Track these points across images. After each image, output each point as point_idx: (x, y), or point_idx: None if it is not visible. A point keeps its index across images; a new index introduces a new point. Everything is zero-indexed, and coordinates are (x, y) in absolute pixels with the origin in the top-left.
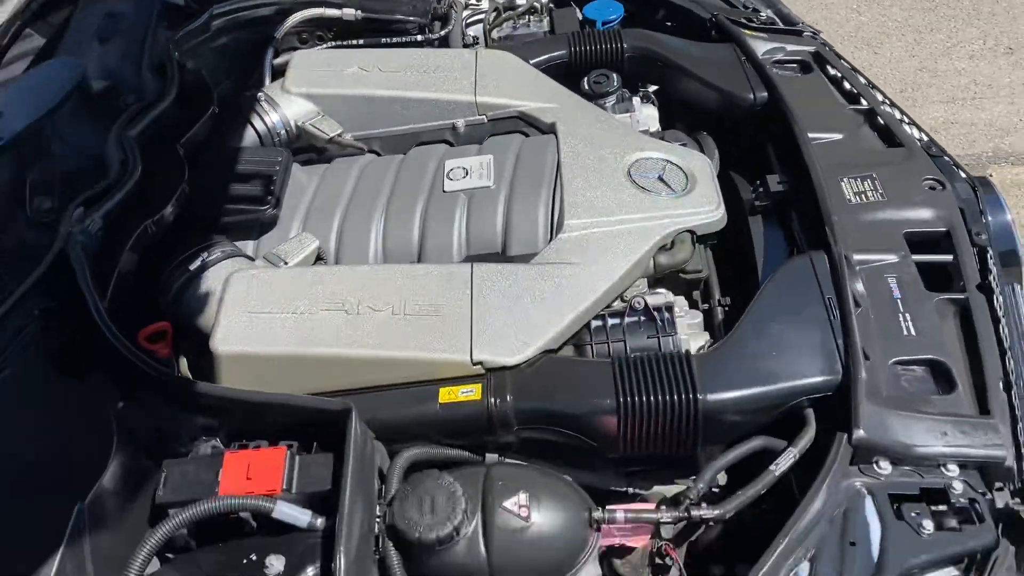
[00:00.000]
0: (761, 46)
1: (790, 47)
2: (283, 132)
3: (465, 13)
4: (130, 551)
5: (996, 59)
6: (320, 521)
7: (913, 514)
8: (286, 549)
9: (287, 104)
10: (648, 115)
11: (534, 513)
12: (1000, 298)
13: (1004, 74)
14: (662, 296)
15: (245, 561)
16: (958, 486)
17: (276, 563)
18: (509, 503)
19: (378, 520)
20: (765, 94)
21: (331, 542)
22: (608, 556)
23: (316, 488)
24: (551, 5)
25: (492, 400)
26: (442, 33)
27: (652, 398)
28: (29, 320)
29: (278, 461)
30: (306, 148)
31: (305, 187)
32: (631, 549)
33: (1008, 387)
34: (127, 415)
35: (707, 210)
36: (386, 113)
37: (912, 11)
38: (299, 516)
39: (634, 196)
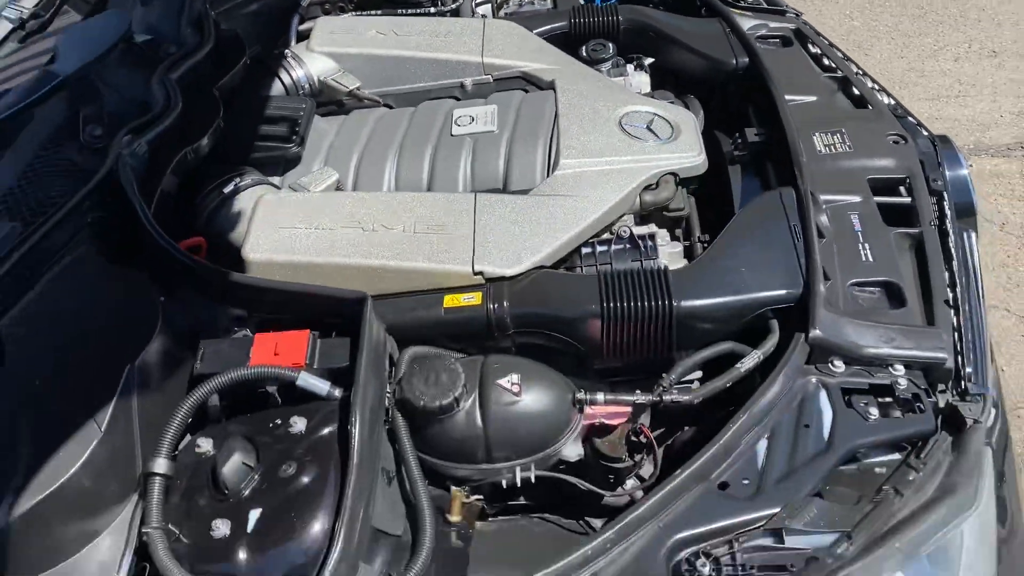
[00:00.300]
0: (746, 22)
1: (773, 24)
2: (307, 86)
3: None
4: (170, 414)
5: (980, 61)
6: (338, 391)
7: (862, 404)
8: (307, 413)
9: (311, 61)
10: (640, 80)
11: (525, 391)
12: (953, 237)
13: (987, 75)
14: (646, 228)
15: (271, 425)
16: (903, 382)
17: (299, 423)
18: (503, 381)
19: (388, 395)
20: (746, 60)
21: (348, 408)
22: (590, 436)
23: (335, 364)
24: None
25: (491, 305)
26: (453, 6)
27: (632, 303)
28: (83, 226)
29: (302, 341)
30: (327, 102)
31: (326, 132)
32: (611, 429)
33: (953, 307)
34: (168, 307)
35: (690, 156)
36: (400, 72)
37: (902, 17)
38: (320, 385)
39: (624, 141)
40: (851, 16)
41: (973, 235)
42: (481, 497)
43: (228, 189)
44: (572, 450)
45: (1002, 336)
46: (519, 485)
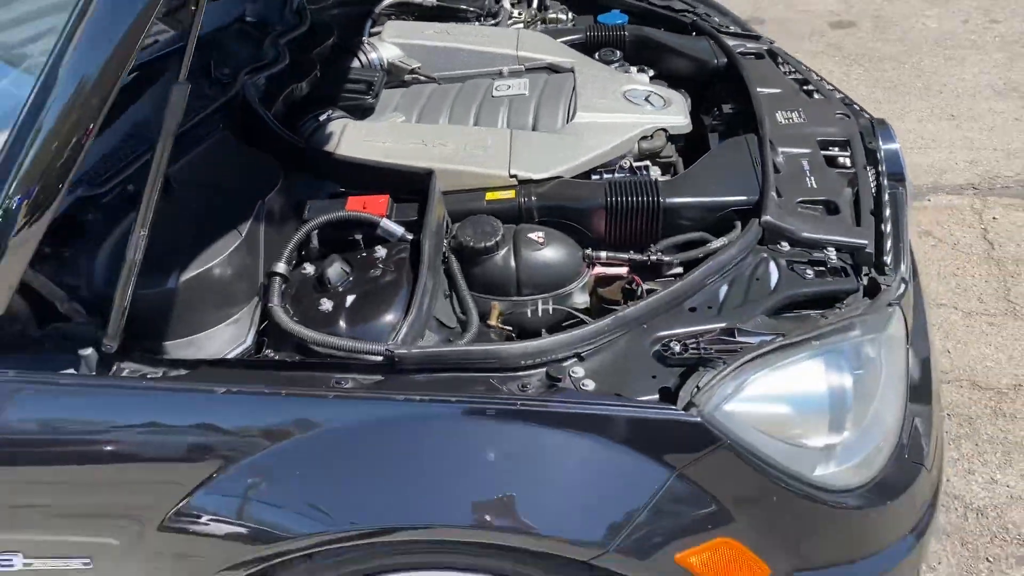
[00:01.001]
0: (728, 41)
1: (750, 44)
2: (379, 66)
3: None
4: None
5: (940, 123)
6: (410, 236)
7: (801, 267)
8: (387, 247)
9: (382, 48)
10: (641, 79)
11: (547, 244)
12: (881, 178)
13: (945, 133)
14: (642, 163)
15: (360, 256)
16: (834, 257)
17: (380, 251)
18: (531, 235)
19: (445, 242)
20: (725, 60)
21: (418, 246)
22: (595, 289)
23: (407, 218)
24: (573, 16)
25: (522, 199)
26: (492, 23)
27: (630, 198)
28: (216, 128)
29: (383, 201)
30: (393, 83)
31: (392, 96)
32: (612, 282)
33: (876, 216)
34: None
35: (678, 119)
36: (451, 60)
37: (875, 88)
38: (396, 229)
39: (627, 105)
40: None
41: (901, 188)
42: (512, 330)
43: (323, 117)
44: (580, 298)
45: (951, 328)
46: (540, 316)
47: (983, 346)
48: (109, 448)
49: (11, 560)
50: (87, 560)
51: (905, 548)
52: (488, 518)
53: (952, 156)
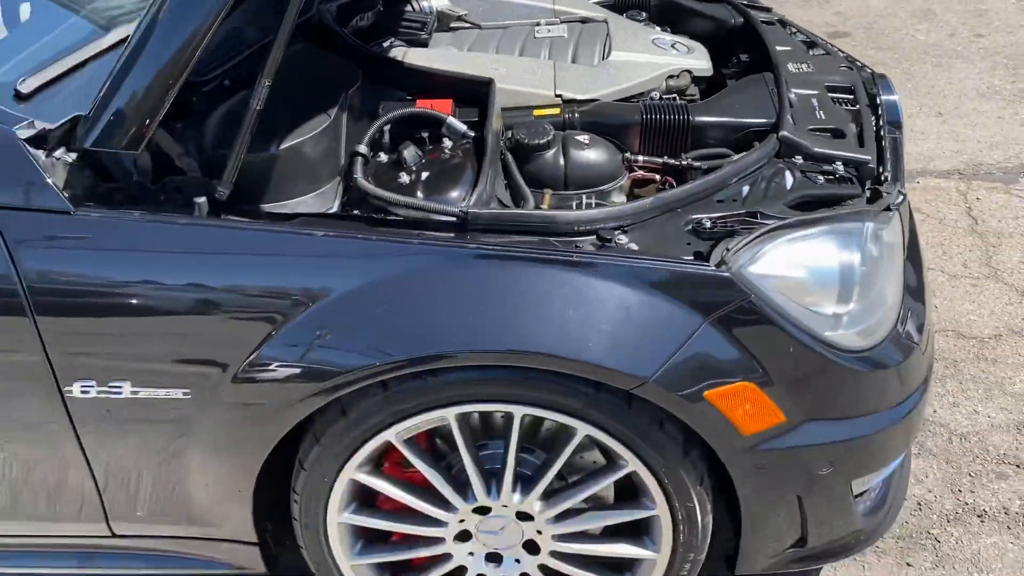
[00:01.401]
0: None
1: (763, 15)
2: (428, 12)
3: None
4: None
5: (928, 119)
6: (472, 133)
7: (812, 175)
8: (452, 141)
9: None
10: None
11: (592, 146)
12: (881, 115)
13: (933, 128)
14: (670, 97)
15: (428, 148)
16: (841, 168)
17: (447, 142)
18: (578, 137)
19: (501, 143)
20: (742, 19)
21: (482, 143)
22: (631, 190)
23: (470, 119)
24: None
25: (566, 116)
26: None
27: (663, 116)
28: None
29: (448, 103)
30: (441, 29)
31: (442, 39)
32: (647, 183)
33: (877, 140)
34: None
35: (701, 63)
36: (494, 12)
37: None
38: (460, 127)
39: (655, 49)
40: None
41: (899, 134)
42: None
43: (386, 44)
44: (619, 197)
45: (937, 288)
46: (583, 208)
47: (967, 303)
48: (217, 283)
49: (120, 387)
50: (187, 391)
51: (902, 412)
52: (546, 346)
53: (940, 146)
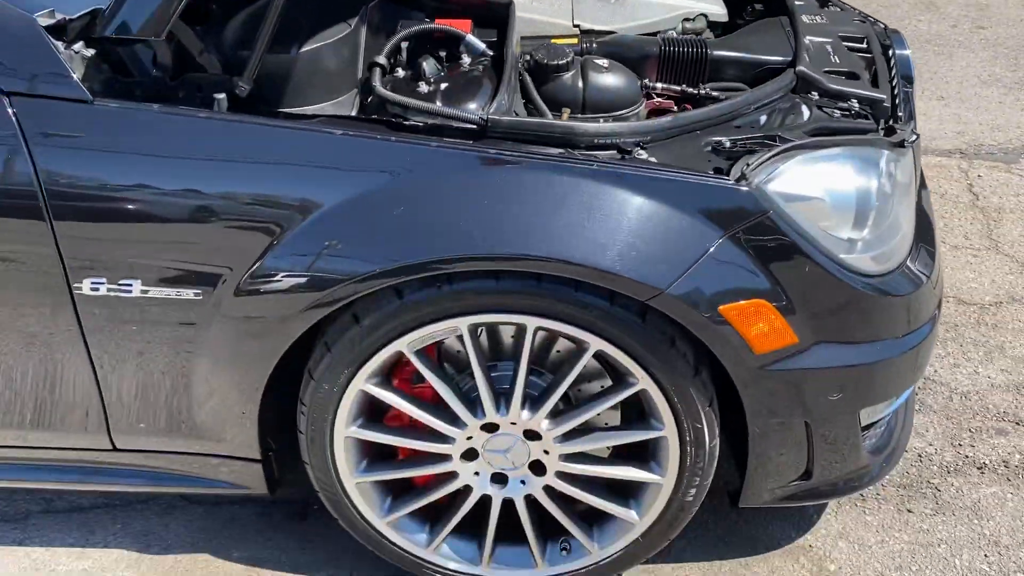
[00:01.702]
0: None
1: None
2: None
3: None
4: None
5: (931, 102)
6: (491, 52)
7: (828, 109)
8: (471, 58)
9: None
10: None
11: (611, 69)
12: (894, 65)
13: (935, 110)
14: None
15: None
16: (856, 105)
17: (465, 59)
18: (597, 60)
19: (519, 61)
20: None
21: (500, 61)
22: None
23: (488, 39)
24: None
25: (584, 44)
26: None
27: (681, 48)
28: None
29: (467, 23)
30: None
31: None
32: (665, 112)
33: (891, 83)
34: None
35: (716, 7)
36: None
37: None
38: (478, 45)
39: None
40: None
41: (910, 88)
42: None
43: None
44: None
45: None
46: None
47: (968, 272)
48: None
49: (130, 285)
50: (198, 291)
51: (911, 342)
52: (562, 252)
53: (942, 127)
